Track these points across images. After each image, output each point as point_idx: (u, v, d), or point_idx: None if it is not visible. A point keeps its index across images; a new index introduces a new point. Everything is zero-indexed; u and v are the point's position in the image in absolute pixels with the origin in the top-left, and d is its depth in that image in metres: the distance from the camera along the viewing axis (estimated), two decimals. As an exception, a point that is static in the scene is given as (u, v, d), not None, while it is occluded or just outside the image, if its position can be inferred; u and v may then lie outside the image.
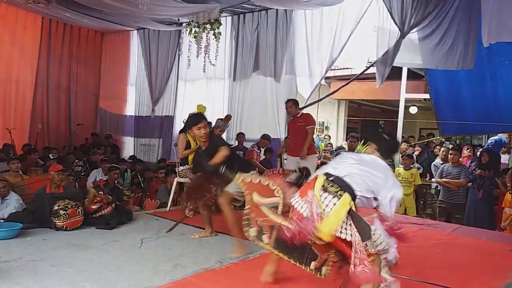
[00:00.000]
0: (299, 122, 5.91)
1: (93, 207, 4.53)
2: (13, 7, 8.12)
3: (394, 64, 6.12)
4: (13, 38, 8.40)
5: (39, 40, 8.86)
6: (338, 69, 9.89)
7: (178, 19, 7.95)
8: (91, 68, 9.98)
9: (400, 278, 3.25)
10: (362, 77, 7.53)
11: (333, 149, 8.35)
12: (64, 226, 4.22)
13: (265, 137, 7.18)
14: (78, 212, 4.34)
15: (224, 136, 6.90)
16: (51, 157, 6.96)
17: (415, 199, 6.51)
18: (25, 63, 8.74)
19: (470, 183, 6.05)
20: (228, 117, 7.03)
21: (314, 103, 7.63)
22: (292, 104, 6.04)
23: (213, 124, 6.60)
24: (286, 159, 6.30)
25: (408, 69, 7.83)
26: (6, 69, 8.38)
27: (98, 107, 10.22)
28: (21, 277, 2.98)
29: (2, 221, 4.24)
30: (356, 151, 6.84)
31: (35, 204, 4.51)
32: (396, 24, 5.84)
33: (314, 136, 7.35)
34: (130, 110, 9.70)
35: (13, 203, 4.53)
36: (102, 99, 10.19)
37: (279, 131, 7.35)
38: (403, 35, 5.86)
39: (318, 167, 7.35)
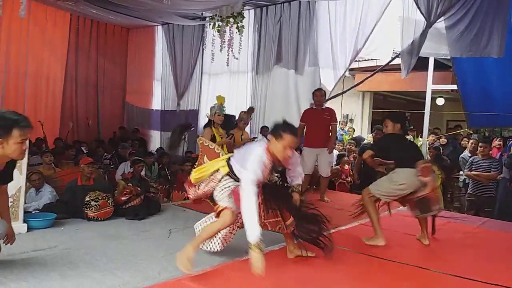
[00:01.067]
0: (325, 114, 5.82)
1: (123, 198, 4.68)
2: (43, 5, 8.38)
3: (420, 55, 6.01)
4: (43, 35, 8.68)
5: (68, 36, 9.13)
6: (362, 61, 9.76)
7: (202, 14, 8.02)
8: (117, 63, 10.22)
9: (427, 271, 3.25)
10: (388, 68, 7.42)
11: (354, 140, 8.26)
12: (96, 217, 4.38)
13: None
14: (108, 203, 4.49)
15: (247, 129, 6.95)
16: (84, 151, 7.17)
17: (442, 192, 6.39)
18: (55, 59, 9.03)
19: (501, 176, 5.89)
20: (251, 110, 7.07)
21: (338, 95, 7.59)
22: (324, 93, 6.02)
23: (236, 117, 6.67)
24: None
25: (435, 60, 7.65)
26: (37, 65, 8.68)
27: (125, 101, 10.46)
28: (56, 264, 3.11)
29: (37, 211, 4.43)
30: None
31: (67, 195, 4.69)
32: (422, 14, 5.72)
33: (338, 128, 7.37)
34: (156, 104, 9.90)
35: (47, 194, 4.70)
36: (129, 94, 10.42)
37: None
38: (429, 24, 5.74)
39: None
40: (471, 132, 8.43)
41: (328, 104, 6.34)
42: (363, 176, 6.66)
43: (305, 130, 5.93)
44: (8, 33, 8.04)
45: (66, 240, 3.73)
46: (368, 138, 8.47)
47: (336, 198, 5.95)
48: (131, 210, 4.62)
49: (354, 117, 12.13)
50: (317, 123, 5.81)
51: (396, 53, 6.95)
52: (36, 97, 8.70)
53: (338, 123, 10.53)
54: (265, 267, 2.66)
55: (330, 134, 6.00)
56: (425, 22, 5.76)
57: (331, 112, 5.91)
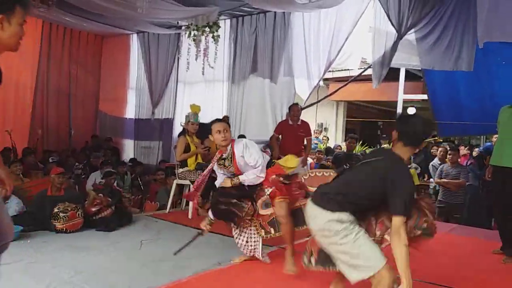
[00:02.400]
0: (300, 131, 5.97)
1: (93, 209, 4.56)
2: (13, 12, 8.16)
3: (392, 65, 6.16)
4: (13, 42, 8.42)
5: (40, 43, 8.91)
6: (336, 71, 9.92)
7: (178, 22, 8.00)
8: (91, 72, 10.02)
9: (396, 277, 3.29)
10: (361, 78, 7.57)
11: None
12: (64, 229, 4.26)
13: None
14: (78, 215, 4.38)
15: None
16: (51, 161, 6.99)
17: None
18: (25, 67, 8.77)
19: (468, 183, 6.08)
20: (225, 118, 7.07)
21: (312, 104, 7.66)
22: (300, 108, 6.12)
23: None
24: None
25: (406, 70, 7.86)
26: (6, 73, 8.06)
27: (98, 110, 10.26)
28: (22, 279, 3.01)
29: (2, 224, 4.26)
30: (354, 152, 6.88)
31: (36, 206, 4.54)
32: (393, 26, 5.86)
33: (312, 137, 7.48)
34: (130, 113, 9.74)
35: (13, 206, 4.53)
36: (102, 102, 10.23)
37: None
38: (400, 36, 5.89)
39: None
40: (440, 140, 8.67)
41: (303, 113, 6.42)
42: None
43: (280, 140, 6.00)
44: (-25, 39, 7.77)
45: (32, 253, 3.61)
46: (343, 146, 8.58)
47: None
48: (101, 221, 4.52)
49: (329, 126, 12.30)
50: (292, 138, 5.99)
51: (364, 61, 7.10)
52: (4, 105, 8.41)
53: (313, 132, 10.70)
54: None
55: (306, 147, 6.17)
56: (396, 34, 5.92)
57: (306, 128, 6.07)
